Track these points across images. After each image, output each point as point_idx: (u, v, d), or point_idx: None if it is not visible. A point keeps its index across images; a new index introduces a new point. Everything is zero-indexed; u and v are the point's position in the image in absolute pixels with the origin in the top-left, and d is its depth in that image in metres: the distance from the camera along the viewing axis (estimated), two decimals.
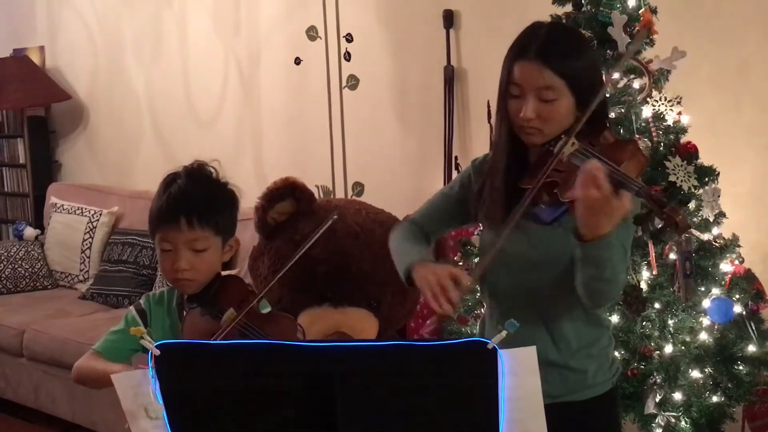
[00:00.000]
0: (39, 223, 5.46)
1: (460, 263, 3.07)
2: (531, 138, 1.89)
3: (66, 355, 4.12)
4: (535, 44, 1.84)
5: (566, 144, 1.81)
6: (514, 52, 1.88)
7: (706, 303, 2.79)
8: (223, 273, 2.05)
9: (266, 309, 2.05)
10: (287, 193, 2.91)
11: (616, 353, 2.75)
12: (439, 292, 1.81)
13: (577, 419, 1.95)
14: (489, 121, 3.64)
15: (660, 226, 1.67)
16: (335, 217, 2.02)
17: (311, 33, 3.89)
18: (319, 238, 2.89)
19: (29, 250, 5.09)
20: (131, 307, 2.09)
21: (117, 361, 1.99)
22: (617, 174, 1.70)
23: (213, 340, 1.79)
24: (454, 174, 3.91)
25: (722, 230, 2.89)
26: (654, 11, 2.89)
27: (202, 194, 1.99)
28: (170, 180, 2.01)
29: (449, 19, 4.00)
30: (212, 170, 2.05)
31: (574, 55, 1.87)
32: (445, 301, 1.80)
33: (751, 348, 2.83)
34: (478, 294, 3.02)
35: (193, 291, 1.97)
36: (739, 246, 2.88)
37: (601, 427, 2.06)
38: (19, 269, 5.01)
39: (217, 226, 1.97)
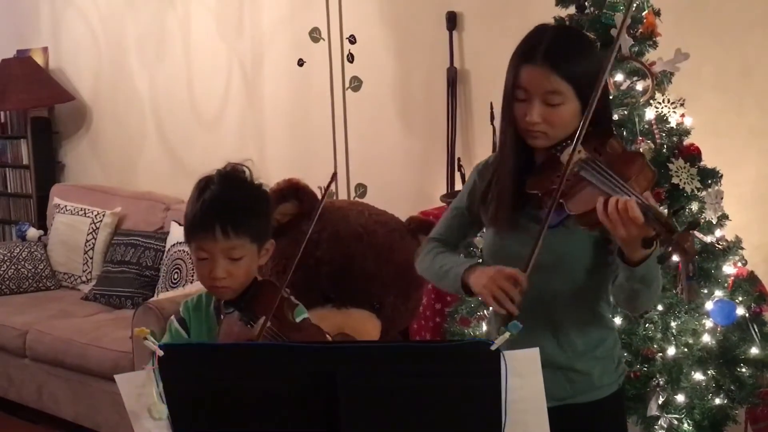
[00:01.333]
0: (42, 223, 5.46)
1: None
2: (536, 141, 1.90)
3: (69, 355, 4.13)
4: (541, 48, 1.84)
5: (573, 152, 1.81)
6: (521, 55, 1.88)
7: (709, 305, 2.79)
8: (260, 278, 2.03)
9: (302, 315, 2.02)
10: (290, 194, 2.92)
11: None
12: (503, 297, 1.80)
13: (583, 421, 1.95)
14: (492, 123, 3.64)
15: (668, 250, 1.66)
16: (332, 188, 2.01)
17: (314, 34, 3.89)
18: (322, 239, 2.91)
19: (32, 250, 5.10)
20: (172, 318, 2.04)
21: None
22: (628, 193, 1.70)
23: None
24: (457, 176, 3.92)
25: (725, 232, 2.89)
26: (657, 13, 2.89)
27: (236, 201, 1.94)
28: (204, 185, 1.96)
29: (452, 20, 4.01)
30: (246, 171, 2.01)
31: (581, 58, 1.87)
32: (510, 304, 1.80)
33: (754, 350, 2.83)
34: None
35: (229, 297, 1.95)
36: (742, 248, 2.88)
37: (608, 429, 2.05)
38: (22, 270, 5.01)
39: (253, 233, 1.94)
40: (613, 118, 2.77)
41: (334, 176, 2.08)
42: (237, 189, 1.98)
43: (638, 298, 1.87)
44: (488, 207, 1.99)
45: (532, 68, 1.84)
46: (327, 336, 2.00)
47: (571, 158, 1.80)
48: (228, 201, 1.93)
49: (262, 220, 2.00)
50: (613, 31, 2.77)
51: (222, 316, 1.96)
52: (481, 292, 1.86)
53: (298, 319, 1.99)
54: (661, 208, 2.73)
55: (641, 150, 2.75)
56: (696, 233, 2.81)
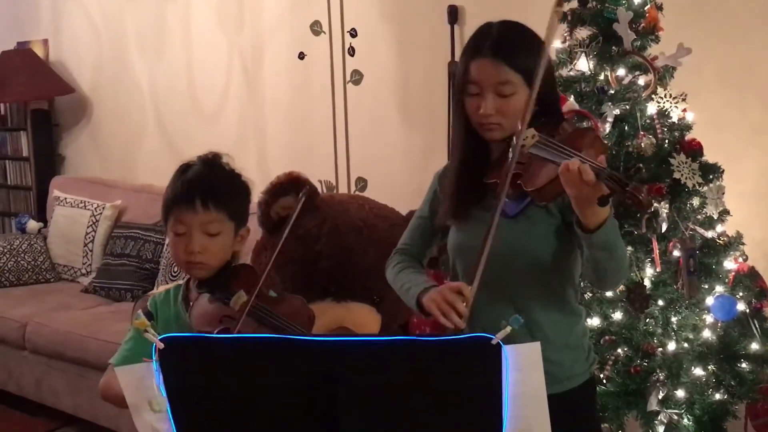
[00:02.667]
0: (42, 216, 5.46)
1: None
2: (491, 134, 1.94)
3: (68, 348, 4.12)
4: (488, 42, 1.90)
5: (526, 136, 1.84)
6: (469, 51, 1.94)
7: (709, 300, 2.79)
8: (235, 263, 2.05)
9: (273, 295, 2.05)
10: (291, 187, 2.91)
11: (619, 350, 2.76)
12: (447, 309, 1.84)
13: (556, 412, 1.95)
14: None
15: (626, 204, 1.69)
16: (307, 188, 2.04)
17: (315, 28, 3.89)
18: (322, 233, 2.90)
19: (32, 243, 5.09)
20: (139, 312, 2.04)
21: None
22: (582, 160, 1.73)
23: (228, 326, 1.81)
24: None
25: (726, 228, 2.89)
26: (659, 8, 2.89)
27: (217, 179, 2.01)
28: (184, 168, 2.03)
29: (453, 14, 4.00)
30: (226, 162, 2.07)
31: (528, 50, 1.91)
32: (455, 316, 1.83)
33: (755, 346, 2.83)
34: None
35: (204, 276, 1.97)
36: (743, 243, 2.88)
37: (581, 418, 2.07)
38: (22, 262, 5.01)
39: (231, 210, 1.98)
40: (615, 113, 2.77)
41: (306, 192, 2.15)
42: (217, 170, 2.04)
43: (604, 268, 1.88)
44: (448, 204, 2.03)
45: (482, 61, 1.89)
46: (307, 306, 2.04)
47: (519, 135, 1.84)
48: (208, 178, 2.00)
49: (240, 202, 2.05)
50: (616, 26, 2.77)
51: (191, 301, 1.98)
52: (428, 306, 1.91)
53: (272, 295, 2.01)
54: (663, 203, 2.74)
55: (642, 144, 2.75)
56: (697, 228, 2.81)
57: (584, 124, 2.69)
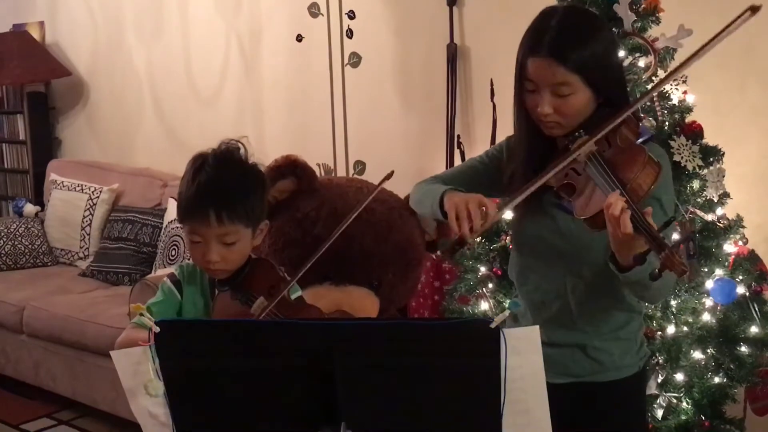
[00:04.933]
0: (39, 199, 5.45)
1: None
2: (552, 131, 1.90)
3: (66, 332, 4.12)
4: (546, 39, 1.81)
5: (582, 145, 1.81)
6: (526, 46, 1.86)
7: (709, 284, 2.78)
8: (254, 256, 2.01)
9: (297, 293, 2.01)
10: (288, 171, 2.89)
11: None
12: (464, 216, 1.80)
13: (602, 400, 1.96)
14: (492, 100, 3.62)
15: (657, 269, 1.65)
16: (382, 186, 1.99)
17: (313, 10, 3.86)
18: (320, 216, 2.89)
19: (29, 226, 5.08)
20: (166, 279, 2.01)
21: None
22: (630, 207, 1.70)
23: None
24: (456, 153, 3.89)
25: (726, 211, 2.88)
26: None
27: (231, 184, 1.92)
28: (198, 166, 1.93)
29: None
30: (240, 148, 1.98)
31: (588, 44, 1.83)
32: (466, 225, 1.79)
33: (754, 329, 2.83)
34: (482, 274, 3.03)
35: (224, 276, 1.94)
36: (742, 227, 2.87)
37: (626, 409, 2.05)
38: (19, 246, 5.00)
39: (247, 217, 1.92)
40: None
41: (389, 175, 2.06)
42: (231, 171, 1.95)
43: (641, 297, 1.90)
44: (509, 189, 1.98)
45: (539, 61, 1.82)
46: (323, 314, 2.00)
47: (579, 147, 1.80)
48: (222, 184, 1.91)
49: (256, 201, 1.97)
50: (616, 7, 2.74)
51: (216, 292, 1.95)
52: (449, 205, 1.86)
53: (293, 297, 1.98)
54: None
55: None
56: (697, 211, 2.79)
57: None
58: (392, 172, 1.96)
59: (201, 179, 1.90)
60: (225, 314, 1.88)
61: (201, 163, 1.93)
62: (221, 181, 1.91)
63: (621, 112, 1.83)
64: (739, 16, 1.80)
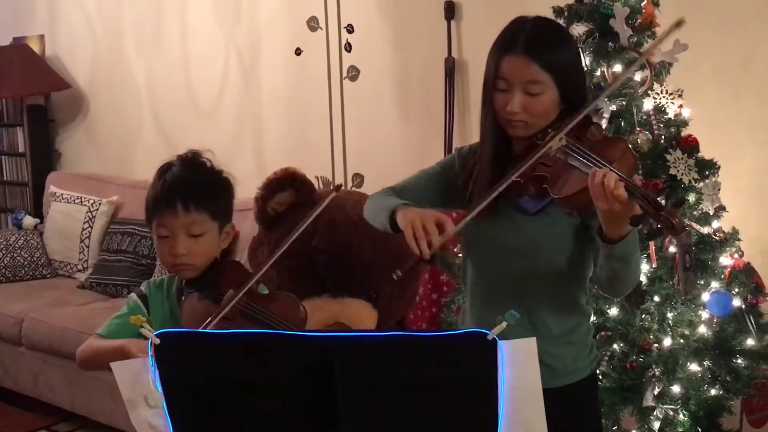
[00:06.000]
0: (38, 212, 5.45)
1: (460, 254, 3.07)
2: (517, 131, 1.93)
3: (65, 344, 4.12)
4: (522, 38, 1.87)
5: (554, 139, 1.84)
6: (501, 46, 1.91)
7: (705, 296, 2.80)
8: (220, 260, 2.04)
9: (264, 291, 2.04)
10: (287, 183, 2.91)
11: (615, 346, 2.76)
12: (421, 234, 1.80)
13: (557, 405, 1.96)
14: None
15: (657, 227, 1.69)
16: (334, 194, 2.01)
17: (312, 23, 3.88)
18: (318, 228, 2.90)
19: (28, 239, 5.09)
20: (132, 294, 2.08)
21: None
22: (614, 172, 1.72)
23: (211, 321, 1.80)
24: None
25: (722, 224, 2.89)
26: (656, 3, 2.89)
27: (197, 179, 2.00)
28: (165, 168, 2.02)
29: (450, 10, 3.99)
30: (206, 160, 2.06)
31: (560, 49, 1.91)
32: (425, 244, 1.78)
33: (750, 342, 2.84)
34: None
35: (191, 276, 1.98)
36: (738, 239, 2.89)
37: (582, 413, 2.07)
38: (18, 258, 5.00)
39: (214, 210, 1.98)
40: (611, 108, 2.78)
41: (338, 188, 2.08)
42: (197, 170, 2.03)
43: (618, 277, 1.89)
44: (470, 195, 2.00)
45: (514, 58, 1.87)
46: (299, 305, 2.01)
47: (550, 140, 1.84)
48: (188, 178, 1.99)
49: (222, 200, 2.04)
50: (612, 22, 2.76)
51: (183, 297, 1.97)
52: (403, 224, 1.85)
53: (263, 293, 2.00)
54: (660, 198, 2.74)
55: (638, 140, 2.75)
56: (693, 224, 2.81)
57: None
58: (341, 185, 2.00)
59: (167, 177, 1.99)
60: (192, 315, 1.90)
61: (167, 166, 2.02)
62: (188, 176, 2.00)
63: (585, 106, 1.89)
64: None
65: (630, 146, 1.90)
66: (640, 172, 2.75)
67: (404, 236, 1.83)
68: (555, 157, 1.84)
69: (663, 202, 1.83)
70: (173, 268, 1.99)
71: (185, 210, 1.93)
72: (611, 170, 1.73)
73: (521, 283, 1.96)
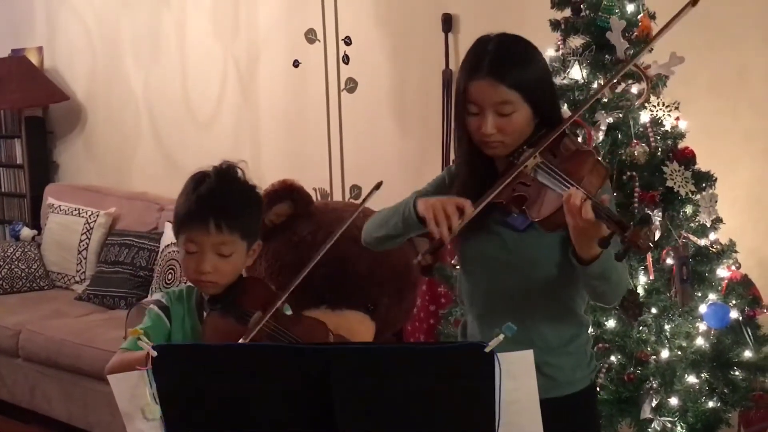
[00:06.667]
0: (36, 223, 5.45)
1: (457, 266, 3.08)
2: (495, 151, 1.94)
3: (62, 356, 4.12)
4: (485, 61, 1.88)
5: (529, 158, 1.86)
6: (466, 71, 1.92)
7: (702, 308, 2.80)
8: (245, 275, 2.03)
9: (288, 311, 2.03)
10: (285, 195, 2.92)
11: (613, 358, 2.76)
12: (442, 218, 1.82)
13: (556, 416, 1.96)
14: None
15: (624, 247, 1.69)
16: (362, 208, 2.00)
17: (310, 36, 3.89)
18: (317, 241, 2.90)
19: (26, 250, 5.08)
20: (151, 305, 2.02)
21: None
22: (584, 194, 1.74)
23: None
24: None
25: (719, 236, 2.90)
26: (652, 17, 2.90)
27: (231, 197, 1.96)
28: (199, 179, 1.97)
29: (448, 23, 4.01)
30: (240, 170, 2.02)
31: (525, 65, 1.91)
32: (446, 227, 1.81)
33: (747, 353, 2.84)
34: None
35: (214, 292, 1.95)
36: (735, 251, 2.89)
37: (581, 423, 2.07)
38: (16, 270, 5.00)
39: (244, 230, 1.95)
40: (608, 121, 2.78)
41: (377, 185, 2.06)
42: (232, 185, 1.99)
43: (602, 293, 1.92)
44: None
45: (480, 82, 1.88)
46: (329, 332, 2.00)
47: (525, 161, 1.86)
48: (223, 196, 1.95)
49: (253, 219, 2.02)
50: (609, 34, 2.78)
51: (205, 313, 1.95)
52: (424, 209, 1.87)
53: (288, 313, 1.99)
54: (656, 211, 2.74)
55: (635, 153, 2.76)
56: (690, 236, 2.81)
57: (578, 132, 2.70)
58: (380, 183, 2.00)
59: (202, 190, 1.94)
60: (216, 333, 1.88)
61: (202, 177, 1.97)
62: (222, 192, 1.95)
63: (559, 125, 1.91)
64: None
65: (599, 158, 1.91)
66: (637, 184, 2.76)
67: (426, 224, 1.85)
68: (532, 177, 1.86)
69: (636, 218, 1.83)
70: (197, 283, 1.96)
71: (218, 229, 1.89)
72: (578, 189, 1.74)
73: (517, 297, 1.97)
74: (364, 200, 2.02)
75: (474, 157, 1.97)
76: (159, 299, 2.03)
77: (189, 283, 2.04)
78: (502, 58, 1.88)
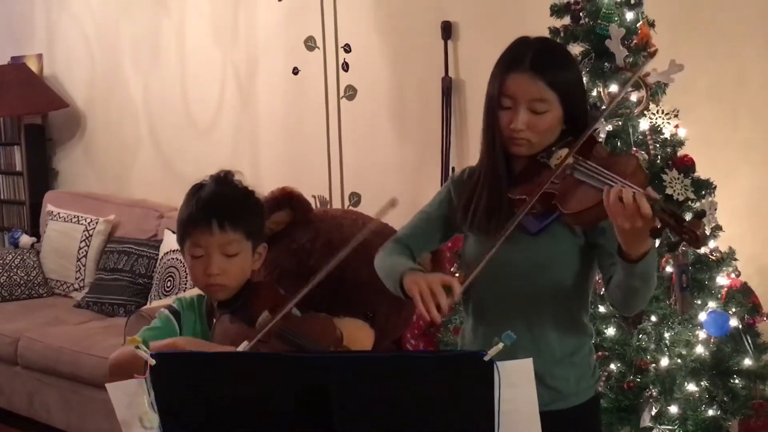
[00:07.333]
0: (35, 230, 5.45)
1: (457, 273, 3.07)
2: (519, 149, 1.92)
3: (60, 363, 4.11)
4: (528, 56, 1.87)
5: (566, 157, 1.83)
6: (506, 63, 1.91)
7: (702, 316, 2.80)
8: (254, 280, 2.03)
9: (297, 313, 2.03)
10: (284, 202, 2.91)
11: (612, 366, 2.76)
12: (429, 298, 1.80)
13: (561, 428, 1.95)
14: None
15: (677, 239, 1.65)
16: (379, 221, 1.99)
17: (309, 43, 3.89)
18: (316, 248, 2.90)
19: (25, 258, 5.08)
20: (163, 309, 2.04)
21: None
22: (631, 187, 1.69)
23: (248, 345, 1.77)
24: None
25: (719, 243, 2.90)
26: (652, 24, 2.91)
27: (232, 198, 1.99)
28: (198, 187, 2.00)
29: (447, 30, 4.01)
30: (238, 179, 2.05)
31: (565, 68, 1.91)
32: (434, 308, 1.79)
33: (747, 361, 2.84)
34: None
35: (224, 297, 1.95)
36: (735, 259, 2.89)
37: None
38: (15, 277, 4.99)
39: (248, 229, 1.97)
40: (607, 128, 2.79)
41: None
42: (231, 189, 2.02)
43: (636, 295, 1.86)
44: (472, 216, 1.98)
45: (521, 75, 1.87)
46: (335, 326, 2.03)
47: (564, 160, 1.83)
48: (223, 197, 1.97)
49: (256, 219, 2.04)
50: (608, 42, 2.78)
51: (215, 319, 1.95)
52: (410, 289, 1.85)
53: (296, 314, 1.99)
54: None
55: None
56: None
57: None
58: (395, 200, 1.95)
59: (202, 195, 1.97)
60: (225, 337, 1.88)
61: (200, 185, 2.00)
62: (222, 195, 1.98)
63: (591, 124, 1.89)
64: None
65: (641, 164, 1.86)
66: None
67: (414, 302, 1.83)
68: (563, 174, 1.83)
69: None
70: (207, 288, 1.97)
71: (221, 229, 1.91)
72: (626, 185, 1.69)
73: (524, 303, 1.94)
74: (379, 215, 2.00)
75: (497, 155, 1.94)
76: (171, 304, 2.04)
77: (199, 292, 2.05)
78: (545, 54, 1.89)
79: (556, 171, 1.82)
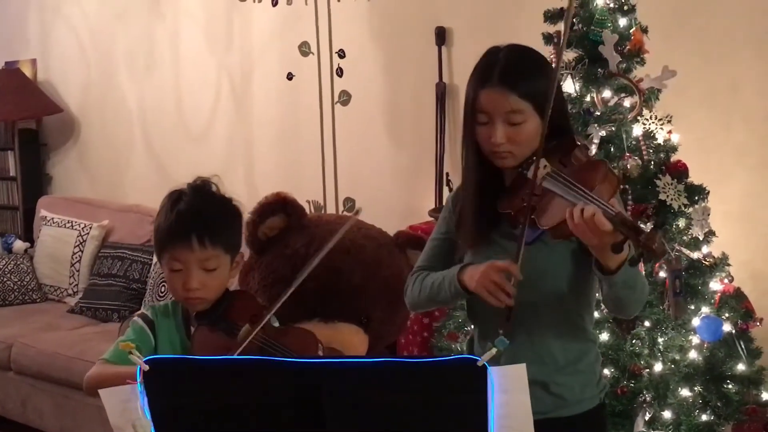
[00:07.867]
0: (29, 236, 5.43)
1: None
2: (504, 162, 1.92)
3: (54, 369, 4.10)
4: (496, 70, 1.87)
5: (538, 168, 1.84)
6: (477, 79, 1.91)
7: (695, 321, 2.80)
8: (231, 289, 2.03)
9: (275, 324, 2.02)
10: (278, 208, 2.91)
11: (606, 371, 2.76)
12: (495, 289, 1.83)
13: None
14: None
15: (639, 252, 1.68)
16: (355, 219, 2.00)
17: (304, 48, 3.90)
18: (310, 253, 2.90)
19: (18, 263, 5.07)
20: (136, 318, 2.03)
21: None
22: (594, 202, 1.72)
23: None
24: (445, 190, 3.92)
25: (712, 249, 2.90)
26: (645, 30, 2.91)
27: (211, 211, 1.97)
28: (176, 197, 1.98)
29: (441, 36, 4.02)
30: (214, 185, 2.04)
31: (536, 75, 1.90)
32: (504, 296, 1.82)
33: (741, 367, 2.84)
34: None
35: (203, 308, 1.95)
36: (728, 264, 2.89)
37: None
38: (8, 282, 4.98)
39: (227, 243, 1.96)
40: (601, 134, 2.79)
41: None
42: (209, 200, 2.01)
43: (626, 303, 1.89)
44: (461, 230, 2.00)
45: (491, 90, 1.87)
46: (318, 342, 2.00)
47: (535, 174, 1.84)
48: (203, 211, 1.96)
49: (234, 231, 2.03)
50: (602, 48, 2.79)
51: (193, 328, 1.95)
52: (476, 289, 1.87)
53: (275, 325, 1.99)
54: (648, 224, 2.75)
55: (628, 166, 2.76)
56: (683, 249, 2.82)
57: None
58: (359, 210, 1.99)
59: (180, 207, 1.95)
60: (206, 347, 1.88)
61: (178, 195, 1.99)
62: (201, 208, 1.97)
63: (567, 135, 1.91)
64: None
65: (610, 168, 1.89)
66: (630, 197, 2.76)
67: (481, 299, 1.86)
68: (542, 186, 1.84)
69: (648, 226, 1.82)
70: (186, 301, 1.96)
71: (201, 245, 1.90)
72: (590, 201, 1.72)
73: (524, 312, 1.93)
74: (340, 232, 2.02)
75: (480, 168, 1.95)
76: (144, 312, 2.04)
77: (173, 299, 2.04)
78: (513, 67, 1.88)
79: (533, 185, 1.84)
